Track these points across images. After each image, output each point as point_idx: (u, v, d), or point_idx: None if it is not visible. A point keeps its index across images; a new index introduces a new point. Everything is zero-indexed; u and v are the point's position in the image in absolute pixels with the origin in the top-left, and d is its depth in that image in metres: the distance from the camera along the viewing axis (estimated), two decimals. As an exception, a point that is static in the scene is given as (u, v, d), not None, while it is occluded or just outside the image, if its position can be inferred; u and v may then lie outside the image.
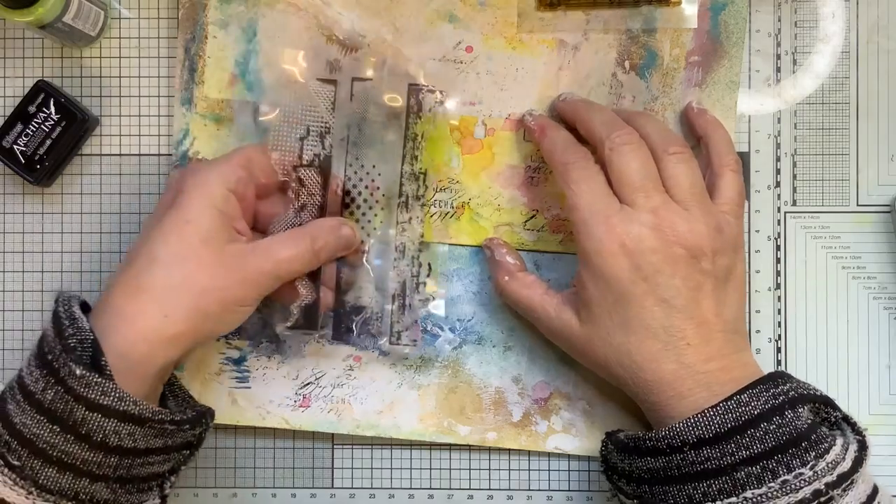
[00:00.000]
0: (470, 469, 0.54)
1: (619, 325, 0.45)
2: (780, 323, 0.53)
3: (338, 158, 0.51)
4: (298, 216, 0.49)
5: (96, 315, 0.43)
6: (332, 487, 0.54)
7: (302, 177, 0.50)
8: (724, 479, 0.41)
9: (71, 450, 0.40)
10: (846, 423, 0.43)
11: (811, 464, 0.40)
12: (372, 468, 0.54)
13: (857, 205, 0.53)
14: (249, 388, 0.53)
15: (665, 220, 0.44)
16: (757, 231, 0.53)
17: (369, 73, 0.52)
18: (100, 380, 0.40)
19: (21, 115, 0.51)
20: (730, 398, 0.42)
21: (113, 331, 0.42)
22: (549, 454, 0.53)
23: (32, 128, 0.51)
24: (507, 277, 0.50)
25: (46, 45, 0.54)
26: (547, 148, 0.49)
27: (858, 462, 0.41)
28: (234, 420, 0.53)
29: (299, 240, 0.47)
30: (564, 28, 0.52)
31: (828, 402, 0.43)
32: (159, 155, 0.53)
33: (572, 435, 0.52)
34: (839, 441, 0.41)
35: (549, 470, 0.53)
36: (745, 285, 0.48)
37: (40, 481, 0.40)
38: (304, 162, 0.50)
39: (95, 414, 0.40)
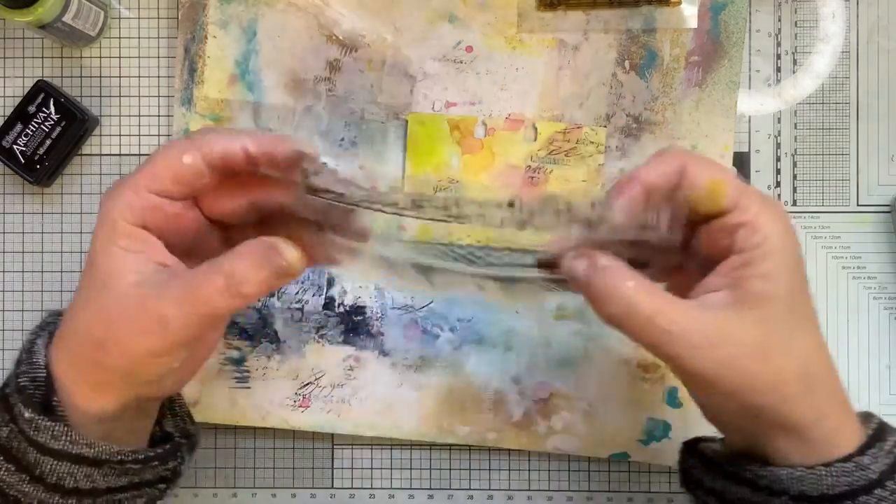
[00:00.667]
0: (470, 469, 0.54)
1: (802, 325, 0.37)
2: (780, 323, 0.53)
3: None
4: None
5: (55, 345, 0.40)
6: (332, 487, 0.54)
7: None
8: None
9: (26, 489, 0.38)
10: None
11: None
12: (372, 468, 0.54)
13: (858, 205, 0.53)
14: (249, 388, 0.53)
15: None
16: (757, 231, 0.53)
17: (369, 73, 0.52)
18: (49, 423, 0.37)
19: (21, 115, 0.51)
20: (848, 459, 0.36)
21: (61, 372, 0.39)
22: (549, 454, 0.53)
23: (32, 128, 0.51)
24: (631, 283, 0.36)
25: (46, 45, 0.54)
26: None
27: None
28: (234, 420, 0.53)
29: (209, 276, 0.36)
30: (564, 28, 0.52)
31: None
32: (159, 155, 0.53)
33: (572, 435, 0.52)
34: None
35: (549, 470, 0.53)
36: None
37: None
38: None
39: (47, 458, 0.37)
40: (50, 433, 0.37)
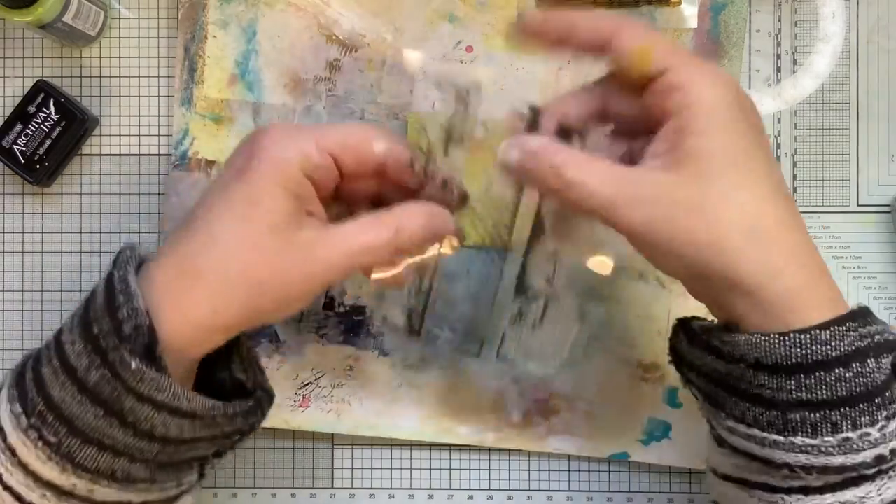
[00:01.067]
0: (470, 469, 0.54)
1: (746, 177, 0.36)
2: (780, 323, 0.53)
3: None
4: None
5: (146, 282, 0.38)
6: (332, 487, 0.54)
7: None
8: (775, 413, 0.36)
9: (113, 433, 0.37)
10: None
11: (881, 424, 0.35)
12: (372, 468, 0.54)
13: (858, 205, 0.53)
14: (249, 388, 0.53)
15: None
16: (757, 231, 0.53)
17: (369, 73, 0.52)
18: (155, 375, 0.36)
19: (21, 115, 0.51)
20: (805, 331, 0.35)
21: (159, 311, 0.37)
22: (549, 454, 0.53)
23: (32, 128, 0.51)
24: (559, 157, 0.38)
25: (46, 45, 0.54)
26: None
27: None
28: (234, 420, 0.53)
29: (380, 227, 0.39)
30: (564, 28, 0.52)
31: None
32: (159, 155, 0.53)
33: (572, 435, 0.52)
34: None
35: (549, 470, 0.53)
36: None
37: (77, 459, 0.37)
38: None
39: (145, 405, 0.36)
40: (155, 385, 0.36)
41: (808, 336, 0.35)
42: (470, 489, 0.54)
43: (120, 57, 0.54)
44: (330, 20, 0.52)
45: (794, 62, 0.53)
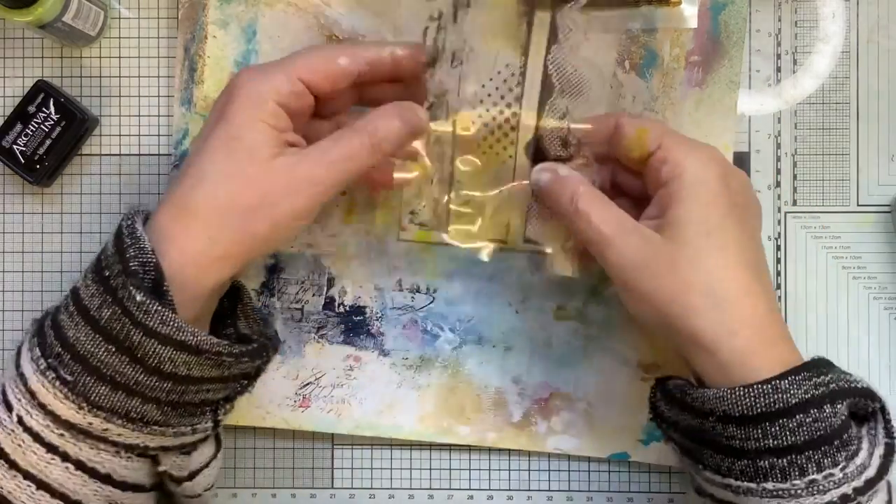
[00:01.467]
0: (470, 469, 0.54)
1: (716, 247, 0.41)
2: (780, 323, 0.53)
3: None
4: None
5: (150, 228, 0.41)
6: (332, 488, 0.54)
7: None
8: (745, 461, 0.39)
9: (125, 370, 0.39)
10: (882, 415, 0.41)
11: (842, 465, 0.38)
12: (372, 468, 0.54)
13: (858, 205, 0.53)
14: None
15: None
16: (757, 231, 0.53)
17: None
18: (159, 308, 0.38)
19: (21, 115, 0.51)
20: (767, 381, 0.38)
21: (161, 253, 0.40)
22: (549, 454, 0.53)
23: (32, 128, 0.51)
24: (582, 188, 0.44)
25: (46, 45, 0.54)
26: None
27: (884, 468, 0.39)
28: (234, 420, 0.53)
29: (354, 135, 0.42)
30: (564, 28, 0.52)
31: (868, 395, 0.40)
32: (159, 155, 0.53)
33: (572, 435, 0.52)
34: (865, 444, 0.39)
35: (549, 470, 0.53)
36: None
37: (92, 397, 0.39)
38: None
39: (152, 340, 0.38)
40: (159, 318, 0.38)
41: (769, 386, 0.38)
42: (470, 489, 0.54)
43: (120, 57, 0.54)
44: (330, 20, 0.52)
45: (794, 62, 0.53)
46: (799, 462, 0.38)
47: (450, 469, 0.54)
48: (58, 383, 0.39)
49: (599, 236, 0.42)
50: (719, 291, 0.40)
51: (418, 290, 0.53)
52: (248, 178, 0.41)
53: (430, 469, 0.54)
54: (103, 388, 0.39)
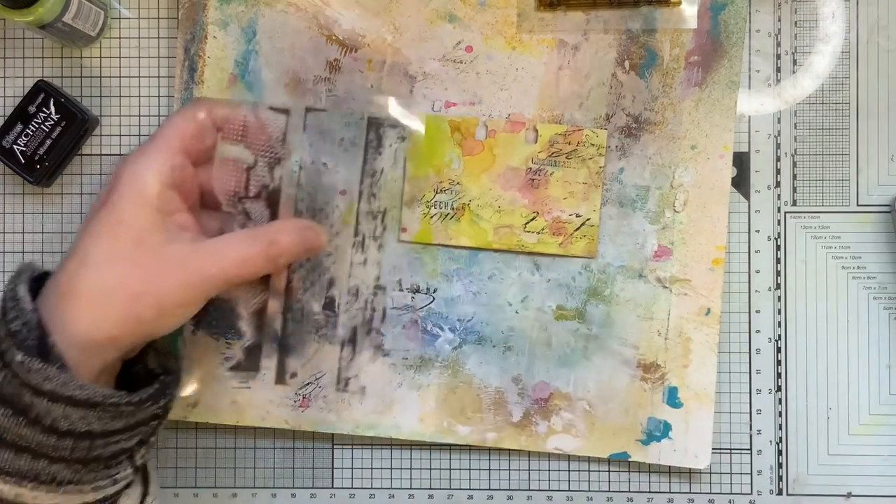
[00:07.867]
0: (470, 469, 0.54)
1: None
2: (780, 323, 0.53)
3: (287, 191, 0.49)
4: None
5: (40, 302, 0.41)
6: (332, 487, 0.54)
7: (248, 209, 0.47)
8: None
9: (23, 433, 0.38)
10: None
11: None
12: (372, 468, 0.54)
13: (857, 205, 0.53)
14: (249, 388, 0.53)
15: None
16: (757, 231, 0.53)
17: (369, 73, 0.52)
18: (41, 366, 0.38)
19: (21, 115, 0.51)
20: None
21: (51, 329, 0.40)
22: (549, 454, 0.53)
23: (32, 128, 0.51)
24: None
25: (46, 45, 0.54)
26: None
27: None
28: (234, 420, 0.53)
29: (254, 241, 0.43)
30: (564, 28, 0.52)
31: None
32: (159, 155, 0.53)
33: (572, 435, 0.52)
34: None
35: (549, 470, 0.53)
36: None
37: None
38: (251, 194, 0.47)
39: (42, 399, 0.38)
40: (42, 375, 0.38)
41: None
42: (470, 489, 0.54)
43: (120, 57, 0.54)
44: (330, 20, 0.52)
45: (794, 62, 0.53)
46: None
47: (450, 469, 0.54)
48: None
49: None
50: None
51: (418, 290, 0.53)
52: (134, 263, 0.41)
53: (430, 469, 0.54)
54: (7, 453, 0.39)
